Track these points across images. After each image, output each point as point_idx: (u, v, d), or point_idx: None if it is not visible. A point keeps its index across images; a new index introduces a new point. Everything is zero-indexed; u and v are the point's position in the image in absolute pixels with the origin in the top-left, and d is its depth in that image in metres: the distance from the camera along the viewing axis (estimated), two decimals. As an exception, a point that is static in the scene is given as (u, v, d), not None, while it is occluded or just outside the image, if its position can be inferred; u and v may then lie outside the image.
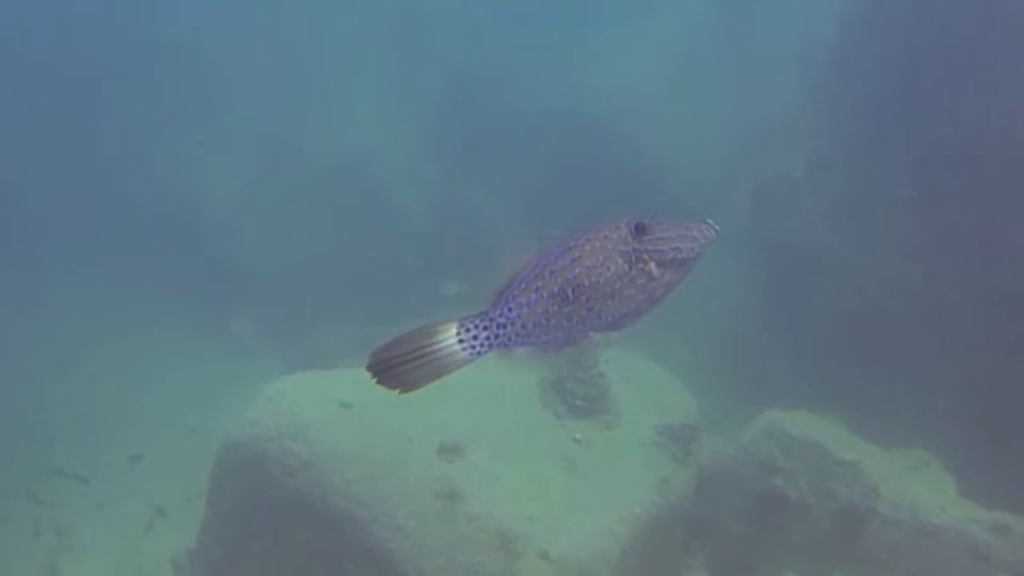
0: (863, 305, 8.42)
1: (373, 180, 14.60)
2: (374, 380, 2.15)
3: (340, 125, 15.55)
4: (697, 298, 9.49)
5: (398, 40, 17.36)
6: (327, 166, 14.81)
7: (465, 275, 10.26)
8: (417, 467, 5.94)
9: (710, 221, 2.32)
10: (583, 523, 5.94)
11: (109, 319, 12.76)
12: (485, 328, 2.17)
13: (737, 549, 6.84)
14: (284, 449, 5.99)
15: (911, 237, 8.16)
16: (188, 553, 6.86)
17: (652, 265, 2.23)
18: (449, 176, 14.49)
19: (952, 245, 7.73)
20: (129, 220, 14.48)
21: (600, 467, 6.39)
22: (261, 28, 17.62)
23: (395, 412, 6.22)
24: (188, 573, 6.85)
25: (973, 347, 7.33)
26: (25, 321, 12.55)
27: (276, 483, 6.00)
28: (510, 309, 2.18)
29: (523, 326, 2.18)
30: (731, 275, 10.17)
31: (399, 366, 2.13)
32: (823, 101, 9.71)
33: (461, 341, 2.16)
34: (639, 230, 2.24)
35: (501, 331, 2.17)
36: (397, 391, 2.16)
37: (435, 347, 2.14)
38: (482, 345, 2.17)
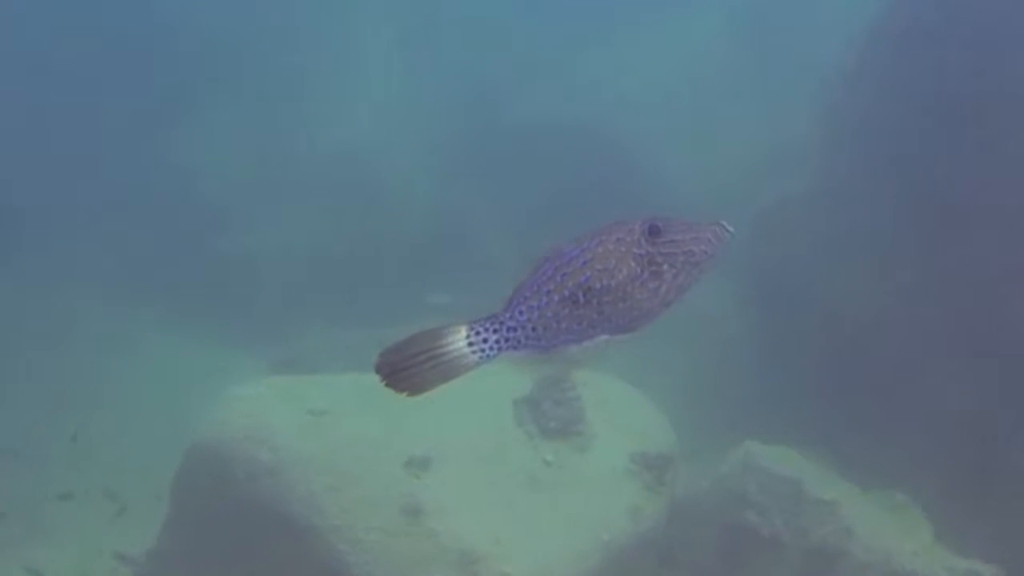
0: (848, 342, 8.35)
1: (369, 186, 14.58)
2: (382, 382, 2.10)
3: (339, 127, 15.56)
4: (685, 324, 9.40)
5: (402, 47, 17.39)
6: (326, 167, 14.79)
7: (453, 287, 10.19)
8: (383, 480, 5.84)
9: (723, 222, 2.27)
10: (549, 547, 5.83)
11: (97, 314, 12.67)
12: (495, 331, 2.12)
13: (707, 583, 6.74)
14: (249, 453, 5.92)
15: (903, 278, 8.09)
16: (147, 551, 6.76)
17: (665, 268, 2.18)
18: (446, 186, 14.48)
19: (942, 291, 7.67)
20: (124, 214, 14.42)
21: (570, 491, 6.27)
22: (261, 28, 17.66)
23: (365, 421, 6.13)
24: (142, 570, 6.77)
25: (958, 395, 7.25)
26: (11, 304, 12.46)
27: (239, 487, 5.93)
28: (521, 312, 2.13)
29: (533, 329, 2.13)
30: (725, 301, 10.10)
31: (407, 368, 2.08)
32: (830, 127, 9.67)
33: (471, 344, 2.11)
34: (652, 232, 2.18)
35: (511, 334, 2.13)
36: (405, 393, 2.11)
37: (444, 349, 2.09)
38: (492, 348, 2.12)
